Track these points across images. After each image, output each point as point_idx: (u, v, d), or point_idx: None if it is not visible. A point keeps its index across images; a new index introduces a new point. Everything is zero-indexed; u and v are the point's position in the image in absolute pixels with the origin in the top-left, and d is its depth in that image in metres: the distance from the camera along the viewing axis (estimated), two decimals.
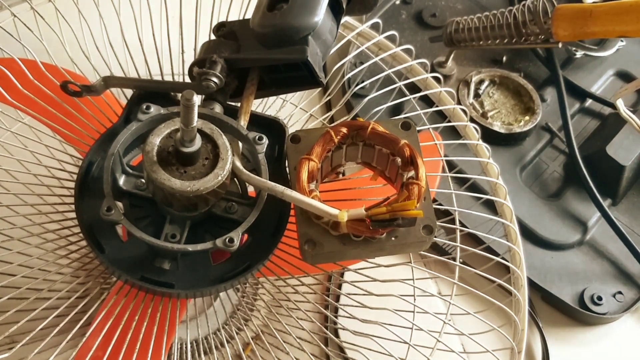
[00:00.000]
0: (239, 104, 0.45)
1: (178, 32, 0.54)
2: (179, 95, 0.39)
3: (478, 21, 0.71)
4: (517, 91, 0.77)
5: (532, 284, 0.65)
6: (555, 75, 0.78)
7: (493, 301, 0.49)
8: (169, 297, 0.43)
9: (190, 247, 0.40)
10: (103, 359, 0.41)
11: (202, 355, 0.52)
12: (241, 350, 0.56)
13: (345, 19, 0.58)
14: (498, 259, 0.53)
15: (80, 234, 0.43)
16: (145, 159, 0.39)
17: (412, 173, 0.41)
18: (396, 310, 0.46)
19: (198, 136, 0.39)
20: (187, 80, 0.46)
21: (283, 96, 0.58)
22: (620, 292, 0.66)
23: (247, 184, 0.45)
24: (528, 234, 0.68)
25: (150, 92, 0.46)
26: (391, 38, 0.61)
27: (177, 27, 0.54)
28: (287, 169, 0.44)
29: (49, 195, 0.50)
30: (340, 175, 0.55)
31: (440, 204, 0.55)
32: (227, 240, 0.40)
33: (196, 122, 0.37)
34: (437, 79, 0.61)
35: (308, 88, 0.47)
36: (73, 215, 0.43)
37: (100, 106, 0.49)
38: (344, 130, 0.42)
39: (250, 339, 0.50)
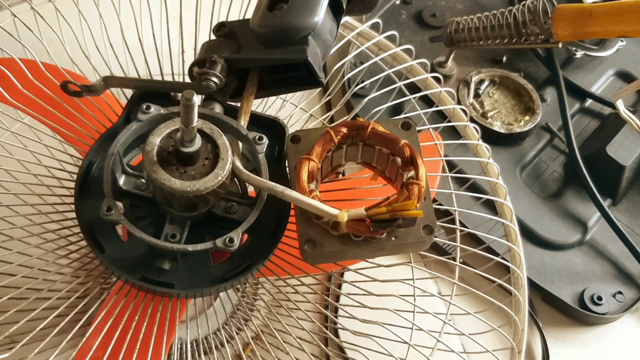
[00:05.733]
0: (239, 104, 0.45)
1: (178, 32, 0.54)
2: (179, 95, 0.39)
3: (478, 21, 0.71)
4: (517, 91, 0.77)
5: (532, 284, 0.65)
6: (555, 75, 0.78)
7: (493, 301, 0.49)
8: (169, 297, 0.43)
9: (190, 247, 0.40)
10: (103, 359, 0.41)
11: (202, 355, 0.52)
12: (241, 350, 0.56)
13: (345, 19, 0.58)
14: (498, 259, 0.53)
15: (80, 234, 0.43)
16: (145, 159, 0.39)
17: (412, 173, 0.41)
18: (396, 310, 0.46)
19: (198, 136, 0.39)
20: (187, 80, 0.46)
21: (283, 96, 0.58)
22: (620, 292, 0.66)
23: (247, 184, 0.45)
24: (528, 234, 0.68)
25: (150, 92, 0.46)
26: (391, 38, 0.61)
27: (177, 27, 0.54)
28: (287, 169, 0.44)
29: (49, 195, 0.50)
30: (340, 175, 0.55)
31: (440, 204, 0.55)
32: (227, 240, 0.40)
33: (196, 122, 0.37)
34: (437, 79, 0.61)
35: (308, 88, 0.47)
36: (73, 215, 0.43)
37: (100, 106, 0.49)
38: (344, 130, 0.42)
39: (250, 339, 0.50)
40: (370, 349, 0.47)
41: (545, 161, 0.74)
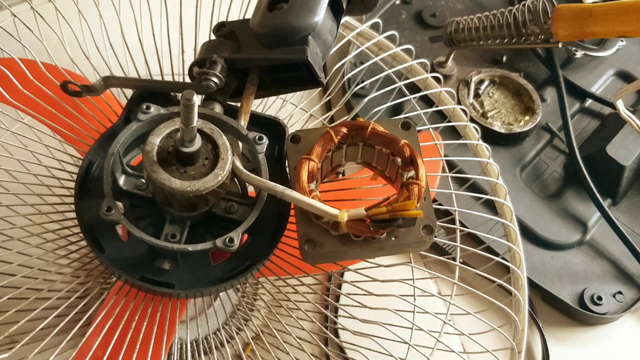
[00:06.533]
0: (239, 104, 0.45)
1: (178, 32, 0.54)
2: (179, 95, 0.39)
3: (478, 21, 0.71)
4: (517, 91, 0.77)
5: (532, 284, 0.65)
6: (555, 75, 0.78)
7: (493, 301, 0.49)
8: (169, 297, 0.43)
9: (190, 247, 0.40)
10: (103, 359, 0.41)
11: (202, 355, 0.52)
12: (241, 350, 0.56)
13: (345, 19, 0.58)
14: (498, 259, 0.53)
15: (80, 234, 0.43)
16: (145, 159, 0.39)
17: (412, 173, 0.41)
18: (396, 310, 0.46)
19: (198, 136, 0.39)
20: (187, 80, 0.46)
21: (283, 96, 0.58)
22: (620, 292, 0.66)
23: (247, 184, 0.45)
24: (528, 234, 0.68)
25: (150, 92, 0.46)
26: (391, 38, 0.61)
27: (177, 27, 0.54)
28: (287, 169, 0.44)
29: (49, 195, 0.50)
30: (340, 175, 0.55)
31: (440, 204, 0.55)
32: (227, 240, 0.40)
33: (196, 122, 0.37)
34: (437, 79, 0.61)
35: (308, 88, 0.47)
36: (73, 215, 0.43)
37: (100, 106, 0.49)
38: (344, 130, 0.42)
39: (250, 339, 0.50)
40: (370, 349, 0.47)
41: (545, 161, 0.74)
